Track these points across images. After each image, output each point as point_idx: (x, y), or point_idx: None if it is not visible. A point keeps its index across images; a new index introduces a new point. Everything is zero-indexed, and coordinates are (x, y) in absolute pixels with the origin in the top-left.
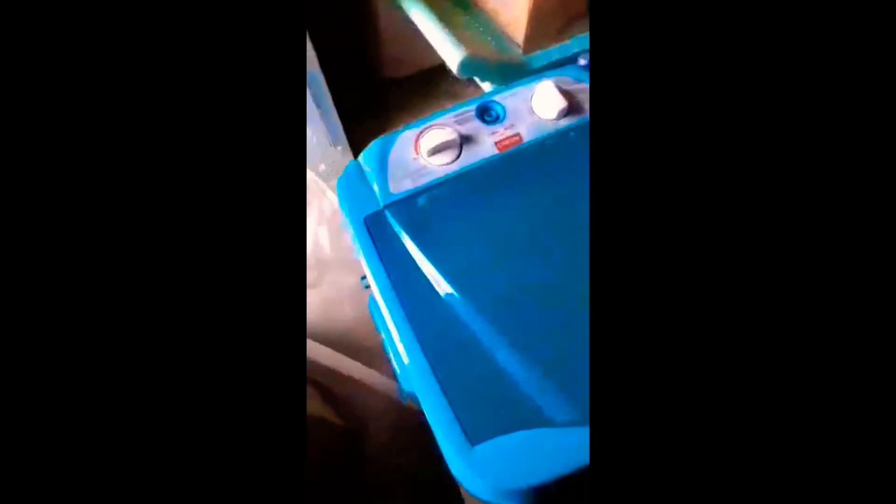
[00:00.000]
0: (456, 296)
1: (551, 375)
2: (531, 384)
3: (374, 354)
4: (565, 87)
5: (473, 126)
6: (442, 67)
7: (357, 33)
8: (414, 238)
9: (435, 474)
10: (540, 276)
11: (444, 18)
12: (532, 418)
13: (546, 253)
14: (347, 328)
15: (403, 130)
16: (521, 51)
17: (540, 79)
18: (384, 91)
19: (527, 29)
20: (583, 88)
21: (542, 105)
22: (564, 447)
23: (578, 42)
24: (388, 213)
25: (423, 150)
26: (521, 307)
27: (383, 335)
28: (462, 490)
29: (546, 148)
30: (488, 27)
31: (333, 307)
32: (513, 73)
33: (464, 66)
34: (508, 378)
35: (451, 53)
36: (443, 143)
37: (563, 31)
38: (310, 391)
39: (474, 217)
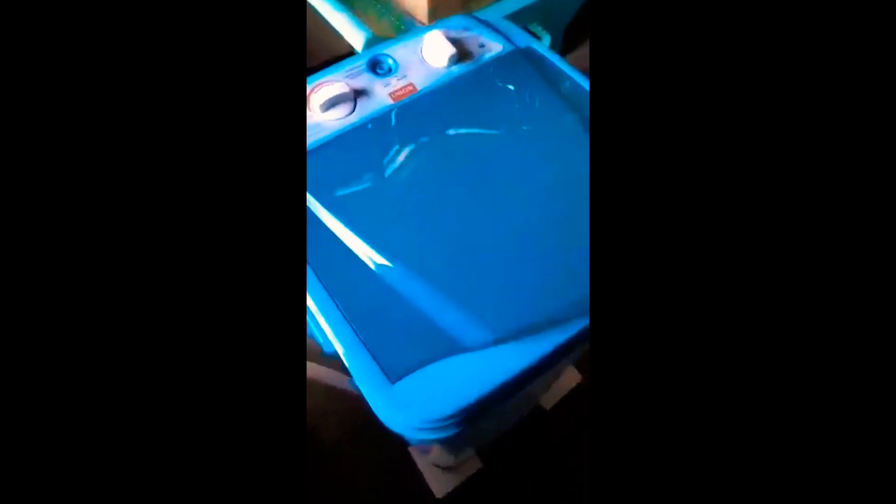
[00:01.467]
0: (362, 243)
1: (462, 304)
2: (443, 316)
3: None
4: (453, 35)
5: (365, 79)
6: (350, 53)
7: None
8: (315, 195)
9: (391, 456)
10: (443, 212)
11: (347, 3)
12: (447, 347)
13: (448, 190)
14: None
15: None
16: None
17: (428, 30)
18: None
19: (429, 5)
20: (470, 35)
21: (432, 54)
22: (480, 369)
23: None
24: None
25: (316, 107)
26: (426, 244)
27: None
28: (416, 461)
29: (440, 94)
30: (391, 9)
31: None
32: None
33: (369, 45)
34: (422, 314)
35: (355, 35)
36: (336, 97)
37: (465, 7)
38: None
39: (375, 166)
